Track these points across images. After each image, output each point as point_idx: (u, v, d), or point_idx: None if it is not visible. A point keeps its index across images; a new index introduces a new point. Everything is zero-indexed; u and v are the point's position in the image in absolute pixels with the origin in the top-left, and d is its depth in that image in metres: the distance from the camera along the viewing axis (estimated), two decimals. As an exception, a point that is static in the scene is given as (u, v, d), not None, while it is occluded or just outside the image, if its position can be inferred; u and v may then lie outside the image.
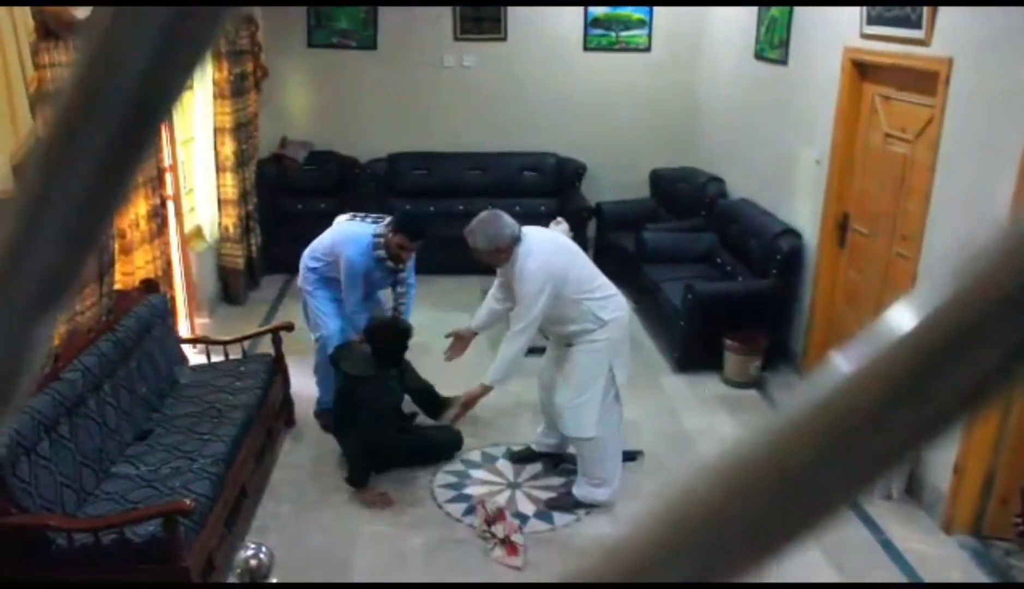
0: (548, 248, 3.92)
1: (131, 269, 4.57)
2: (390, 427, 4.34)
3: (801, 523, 0.25)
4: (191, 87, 6.04)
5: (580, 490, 4.21)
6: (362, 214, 4.82)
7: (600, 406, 4.01)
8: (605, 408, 4.03)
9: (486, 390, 4.08)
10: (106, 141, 0.26)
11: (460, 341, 4.37)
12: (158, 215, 4.86)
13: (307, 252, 4.76)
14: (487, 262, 4.03)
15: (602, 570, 0.26)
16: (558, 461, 4.54)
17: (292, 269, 7.11)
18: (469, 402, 4.15)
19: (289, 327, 4.88)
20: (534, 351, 4.37)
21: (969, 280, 0.23)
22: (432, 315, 6.10)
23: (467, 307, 5.52)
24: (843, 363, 0.25)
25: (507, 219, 3.90)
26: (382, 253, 4.48)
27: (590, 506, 4.19)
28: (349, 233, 4.61)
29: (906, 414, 0.24)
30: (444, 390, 4.79)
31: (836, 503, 0.25)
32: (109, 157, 0.26)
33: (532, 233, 3.97)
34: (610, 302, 3.99)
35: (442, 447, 4.60)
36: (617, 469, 4.20)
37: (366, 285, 4.58)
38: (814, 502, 0.25)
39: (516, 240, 3.87)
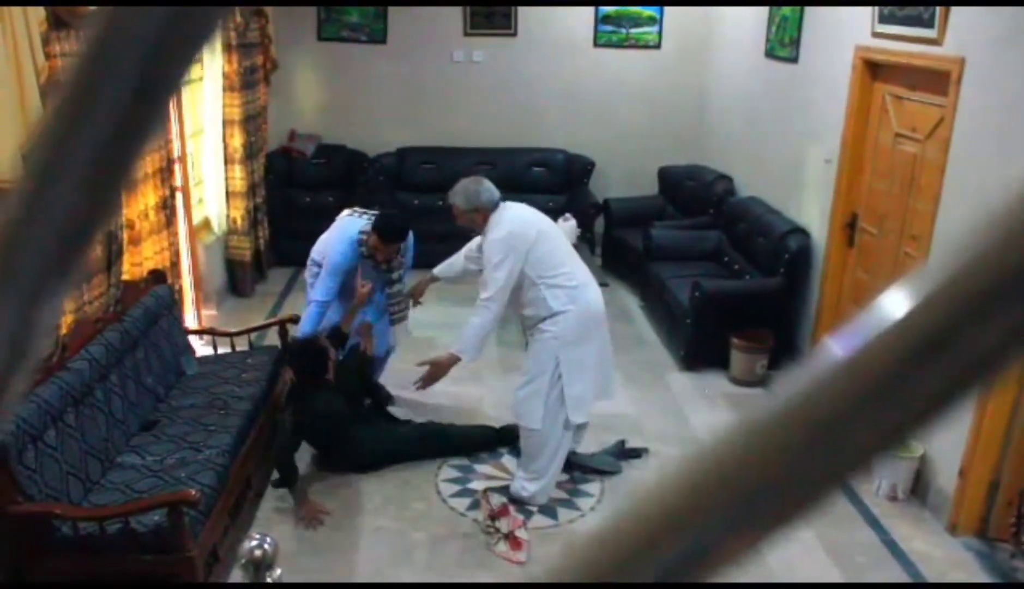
0: (519, 221, 3.94)
1: (139, 260, 4.58)
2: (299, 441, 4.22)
3: (795, 503, 0.25)
4: (200, 78, 6.05)
5: (514, 484, 4.18)
6: (361, 210, 4.79)
7: (544, 401, 3.95)
8: (549, 407, 3.97)
9: (453, 360, 4.00)
10: (112, 118, 0.26)
11: (421, 289, 4.44)
12: (167, 206, 4.87)
13: (313, 247, 4.78)
14: (465, 224, 4.04)
15: (604, 551, 0.26)
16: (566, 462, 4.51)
17: (300, 262, 7.12)
18: (435, 371, 4.08)
19: (296, 320, 4.88)
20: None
21: (970, 258, 0.23)
22: (437, 309, 6.10)
23: (472, 302, 5.51)
24: (837, 347, 0.24)
25: (489, 185, 3.99)
26: (364, 250, 4.45)
27: (521, 503, 4.09)
28: (340, 227, 4.60)
29: (902, 394, 0.24)
30: (442, 384, 4.84)
31: (831, 484, 0.25)
32: (116, 133, 0.26)
33: (510, 205, 4.01)
34: (565, 293, 3.89)
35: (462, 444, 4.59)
36: (553, 469, 4.13)
37: (349, 280, 4.53)
38: (808, 483, 0.25)
39: (494, 206, 3.94)
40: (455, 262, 4.39)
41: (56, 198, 0.26)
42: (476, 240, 4.20)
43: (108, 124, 0.26)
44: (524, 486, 4.15)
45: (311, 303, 4.52)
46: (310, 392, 4.18)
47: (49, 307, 0.27)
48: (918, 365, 0.23)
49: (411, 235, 4.80)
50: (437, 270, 4.43)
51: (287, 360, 4.43)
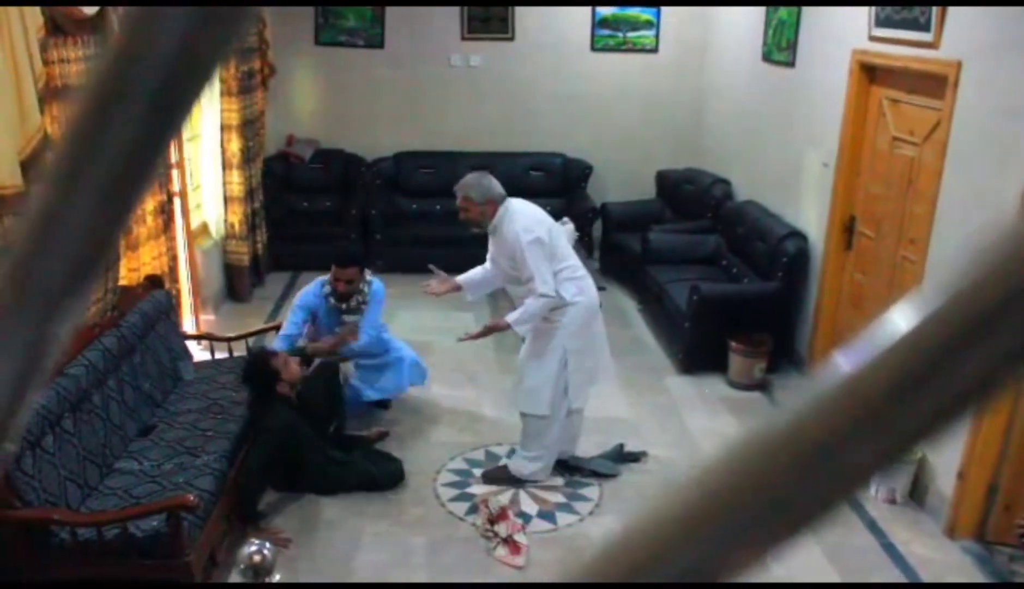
0: (535, 217, 4.07)
1: (137, 265, 4.58)
2: (276, 448, 4.02)
3: (800, 518, 0.25)
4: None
5: (514, 463, 4.38)
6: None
7: (553, 388, 4.14)
8: (556, 393, 4.16)
9: (507, 326, 4.13)
10: (129, 135, 0.26)
11: (444, 283, 4.28)
12: (164, 211, 4.86)
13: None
14: (472, 216, 4.08)
15: (618, 556, 0.26)
16: (562, 465, 4.51)
17: (297, 267, 7.17)
18: (491, 328, 4.25)
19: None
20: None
21: (976, 275, 0.23)
22: (434, 315, 6.10)
23: (468, 307, 5.52)
24: (844, 362, 0.25)
25: (493, 178, 4.11)
26: (327, 290, 4.69)
27: (521, 481, 4.35)
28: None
29: (909, 409, 0.24)
30: (440, 388, 4.81)
31: (835, 501, 0.25)
32: (133, 150, 0.26)
33: (516, 200, 4.13)
34: (574, 285, 4.08)
35: (377, 481, 4.28)
36: (553, 448, 4.33)
37: (311, 323, 4.69)
38: (814, 496, 0.25)
39: (503, 198, 4.06)
40: (476, 270, 4.31)
41: (73, 215, 0.26)
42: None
43: (126, 141, 0.26)
44: (525, 465, 4.33)
45: (275, 341, 4.71)
46: (262, 409, 4.07)
47: (64, 322, 0.27)
48: (926, 376, 0.24)
49: (379, 287, 4.81)
50: (461, 278, 4.30)
51: (241, 375, 4.26)
